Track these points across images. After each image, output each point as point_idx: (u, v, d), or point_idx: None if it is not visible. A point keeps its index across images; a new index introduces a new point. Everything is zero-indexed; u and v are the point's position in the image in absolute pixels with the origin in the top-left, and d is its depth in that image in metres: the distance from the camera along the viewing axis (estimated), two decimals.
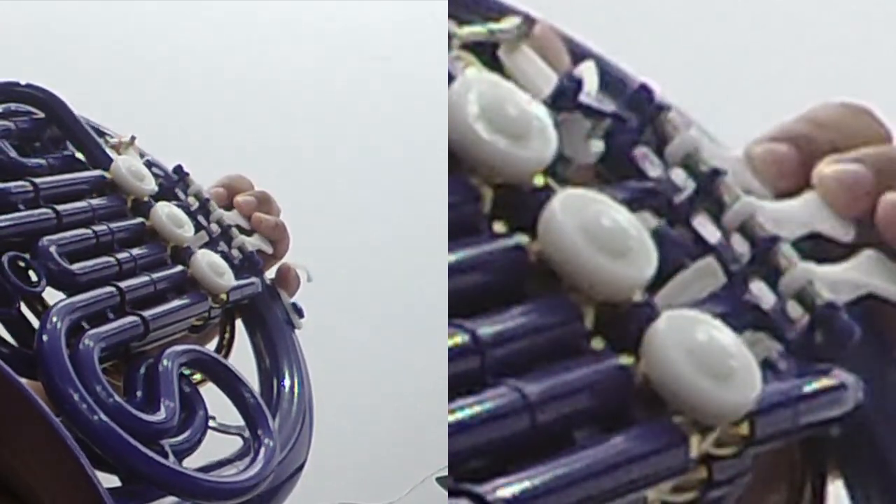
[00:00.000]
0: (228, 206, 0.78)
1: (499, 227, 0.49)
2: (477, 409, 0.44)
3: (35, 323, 0.60)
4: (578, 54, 0.55)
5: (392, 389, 2.09)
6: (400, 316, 2.10)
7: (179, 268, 0.70)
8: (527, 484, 0.43)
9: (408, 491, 2.03)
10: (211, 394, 0.65)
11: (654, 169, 0.52)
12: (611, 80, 0.54)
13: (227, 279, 0.72)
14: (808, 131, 0.54)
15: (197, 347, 0.66)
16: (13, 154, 0.68)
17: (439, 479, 1.91)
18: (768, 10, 1.92)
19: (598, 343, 0.48)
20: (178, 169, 0.77)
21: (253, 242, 0.77)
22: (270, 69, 2.12)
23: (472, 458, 0.44)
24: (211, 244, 0.75)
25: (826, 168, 0.53)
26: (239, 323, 0.77)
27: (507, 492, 0.42)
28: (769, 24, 1.92)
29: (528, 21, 0.53)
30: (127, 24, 2.05)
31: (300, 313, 0.78)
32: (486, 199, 0.49)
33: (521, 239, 0.48)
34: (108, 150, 0.73)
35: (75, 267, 0.63)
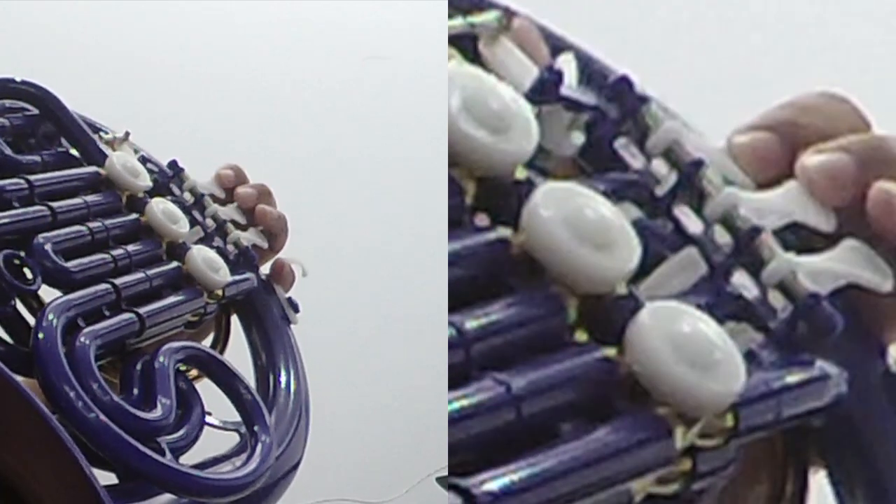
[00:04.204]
0: (224, 201, 0.79)
1: (481, 220, 0.49)
2: (463, 402, 0.44)
3: (31, 321, 0.60)
4: (558, 46, 0.55)
5: (392, 389, 2.09)
6: (400, 316, 2.10)
7: (175, 264, 0.70)
8: (512, 477, 0.43)
9: (406, 490, 2.03)
10: (205, 389, 0.65)
11: (635, 160, 0.52)
12: (591, 72, 0.54)
13: (223, 275, 0.72)
14: (789, 118, 0.53)
15: (193, 344, 0.66)
16: (8, 151, 0.68)
17: (439, 479, 1.91)
18: (768, 9, 1.92)
19: (581, 335, 0.47)
20: (173, 164, 0.77)
21: (248, 237, 0.77)
22: (270, 68, 2.12)
23: (460, 452, 0.44)
24: (206, 240, 0.75)
25: (808, 159, 0.52)
26: (234, 318, 0.78)
27: (492, 485, 0.42)
28: (769, 24, 1.92)
29: (508, 14, 0.52)
30: (124, 21, 2.05)
31: (296, 308, 0.78)
32: (469, 192, 0.49)
33: (504, 232, 0.48)
34: (102, 147, 0.73)
35: (71, 264, 0.63)
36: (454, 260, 0.47)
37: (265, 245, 0.79)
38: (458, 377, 0.45)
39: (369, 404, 2.07)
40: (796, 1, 1.92)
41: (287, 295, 0.79)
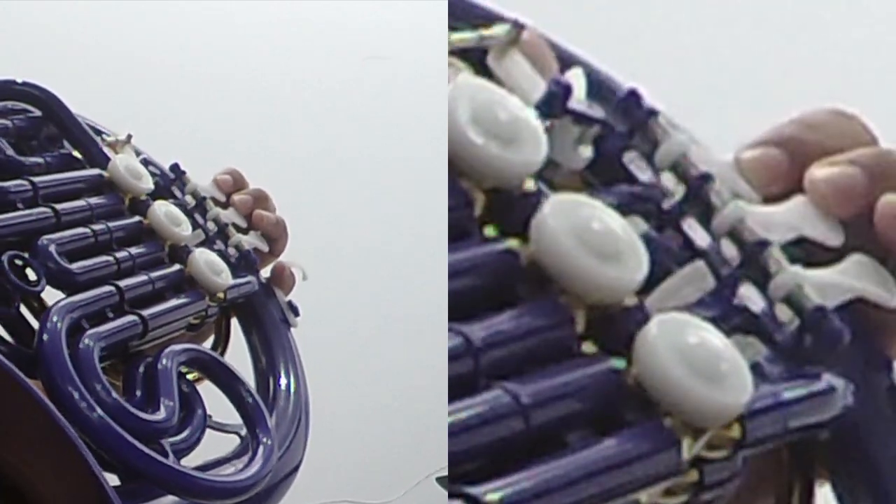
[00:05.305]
0: (225, 205, 0.79)
1: (490, 231, 0.48)
2: (471, 411, 0.44)
3: (34, 322, 0.60)
4: (567, 60, 0.55)
5: (392, 389, 2.09)
6: (400, 316, 2.10)
7: (177, 266, 0.70)
8: (520, 486, 0.43)
9: (406, 490, 2.03)
10: (204, 391, 0.65)
11: (643, 174, 0.52)
12: (599, 86, 0.54)
13: (225, 278, 0.72)
14: (797, 134, 0.54)
15: (196, 346, 0.67)
16: (11, 152, 0.68)
17: (439, 479, 1.91)
18: (767, 10, 1.92)
19: (589, 346, 0.47)
20: (175, 167, 0.78)
21: (249, 241, 0.78)
22: (270, 68, 2.12)
23: (468, 460, 0.44)
24: (208, 242, 0.75)
25: (818, 171, 0.53)
26: (234, 321, 0.78)
27: (500, 494, 0.42)
28: (769, 25, 1.92)
29: (517, 27, 0.52)
30: (125, 22, 2.05)
31: (296, 312, 0.79)
32: (478, 203, 0.48)
33: (513, 243, 0.48)
34: (105, 149, 0.74)
35: (74, 266, 0.63)
36: (463, 270, 0.47)
37: (266, 248, 0.79)
38: (466, 386, 0.45)
39: (369, 404, 2.07)
40: (799, 3, 1.93)
41: (287, 298, 0.79)
